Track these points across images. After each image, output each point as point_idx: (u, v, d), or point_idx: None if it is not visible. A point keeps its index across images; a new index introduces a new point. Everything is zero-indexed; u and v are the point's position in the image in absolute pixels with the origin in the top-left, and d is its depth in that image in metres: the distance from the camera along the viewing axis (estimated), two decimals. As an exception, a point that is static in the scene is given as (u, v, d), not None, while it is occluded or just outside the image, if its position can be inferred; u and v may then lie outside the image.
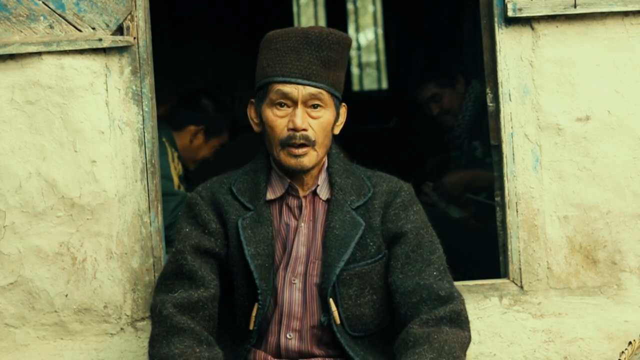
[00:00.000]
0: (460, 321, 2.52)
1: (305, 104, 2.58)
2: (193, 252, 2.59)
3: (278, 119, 2.58)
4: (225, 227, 2.64)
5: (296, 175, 2.64)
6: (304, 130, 2.56)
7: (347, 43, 2.64)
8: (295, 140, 2.56)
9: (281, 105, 2.58)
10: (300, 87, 2.56)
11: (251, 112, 2.69)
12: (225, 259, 2.64)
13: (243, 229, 2.60)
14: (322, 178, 2.68)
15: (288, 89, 2.57)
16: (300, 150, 2.57)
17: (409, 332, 2.48)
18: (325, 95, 2.59)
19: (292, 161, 2.58)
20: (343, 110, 2.70)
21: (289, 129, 2.57)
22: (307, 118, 2.57)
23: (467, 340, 2.53)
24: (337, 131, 2.68)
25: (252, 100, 2.69)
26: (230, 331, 2.66)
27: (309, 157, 2.59)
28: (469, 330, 2.55)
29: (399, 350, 2.47)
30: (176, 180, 4.09)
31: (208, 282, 2.58)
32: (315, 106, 2.59)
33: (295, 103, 2.57)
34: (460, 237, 4.06)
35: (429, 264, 2.60)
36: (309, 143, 2.57)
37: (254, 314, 2.58)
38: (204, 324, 2.54)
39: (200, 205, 2.66)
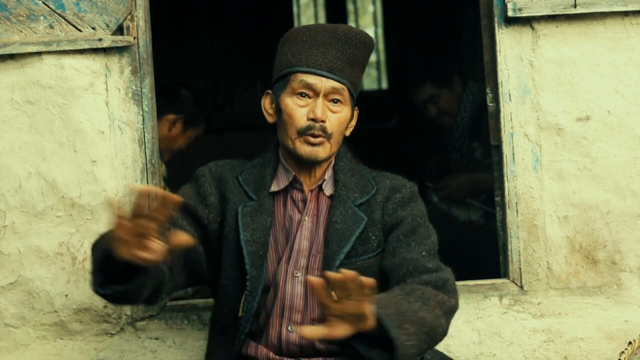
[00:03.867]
0: (445, 288, 2.51)
1: (326, 97, 2.60)
2: (183, 210, 2.58)
3: (298, 108, 2.60)
4: (225, 207, 2.65)
5: (307, 166, 2.66)
6: (323, 121, 2.58)
7: (372, 45, 2.68)
8: (314, 131, 2.58)
9: (302, 95, 2.60)
10: (324, 79, 2.59)
11: (266, 103, 2.70)
12: (214, 236, 2.64)
13: (242, 215, 2.61)
14: (329, 174, 2.70)
15: (312, 80, 2.58)
16: (317, 140, 2.59)
17: (392, 287, 2.49)
18: (345, 92, 2.62)
19: (307, 149, 2.59)
20: (355, 113, 2.71)
21: (308, 119, 2.58)
22: (327, 111, 2.60)
23: (451, 305, 2.50)
24: (347, 133, 2.70)
25: (269, 91, 2.70)
26: (221, 320, 2.65)
27: (324, 148, 2.60)
28: (455, 300, 2.53)
29: None
30: (161, 182, 4.10)
31: (186, 232, 2.41)
32: (335, 101, 2.61)
33: (317, 95, 2.59)
34: (463, 238, 4.06)
35: (419, 244, 2.61)
36: (325, 135, 2.59)
37: (242, 300, 2.59)
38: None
39: (206, 177, 2.68)
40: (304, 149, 2.60)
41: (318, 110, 2.58)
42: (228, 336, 2.64)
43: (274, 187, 2.67)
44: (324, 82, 2.59)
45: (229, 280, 2.62)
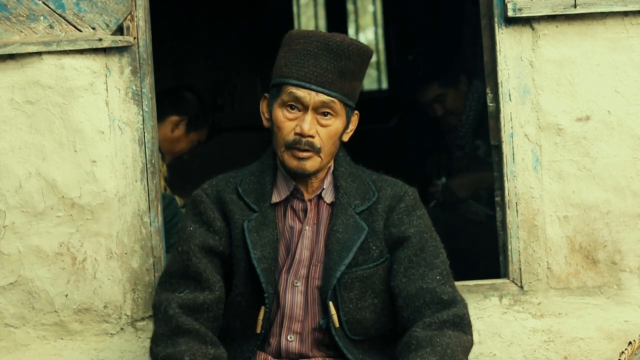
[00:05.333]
0: (463, 325, 2.52)
1: (316, 110, 2.56)
2: (198, 252, 2.59)
3: (287, 121, 2.57)
4: (229, 226, 2.63)
5: (299, 177, 2.64)
6: (311, 137, 2.55)
7: (368, 55, 2.63)
8: (300, 145, 2.55)
9: (292, 107, 2.57)
10: (314, 93, 2.55)
11: (263, 107, 2.68)
12: (228, 258, 2.64)
13: (249, 232, 2.59)
14: (328, 181, 2.67)
15: (301, 93, 2.55)
16: (305, 154, 2.56)
17: (412, 335, 2.48)
18: (337, 105, 2.58)
19: (294, 163, 2.57)
20: (354, 119, 2.68)
21: (295, 133, 2.55)
22: (316, 125, 2.56)
23: (470, 345, 2.53)
24: (346, 139, 2.67)
25: (266, 94, 2.68)
26: (230, 333, 2.65)
27: (312, 162, 2.58)
28: (471, 335, 2.55)
29: (401, 353, 2.47)
30: (162, 183, 4.09)
31: (213, 283, 2.58)
32: (325, 114, 2.57)
33: (306, 108, 2.56)
34: (463, 238, 4.06)
35: (432, 268, 2.59)
36: (313, 150, 2.56)
37: (260, 317, 2.58)
38: (208, 325, 2.54)
39: (205, 202, 2.65)
40: (291, 162, 2.58)
41: (305, 125, 2.54)
42: (236, 347, 2.63)
43: (275, 198, 2.65)
44: (312, 96, 2.55)
45: (242, 297, 2.62)
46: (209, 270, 2.58)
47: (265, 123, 2.68)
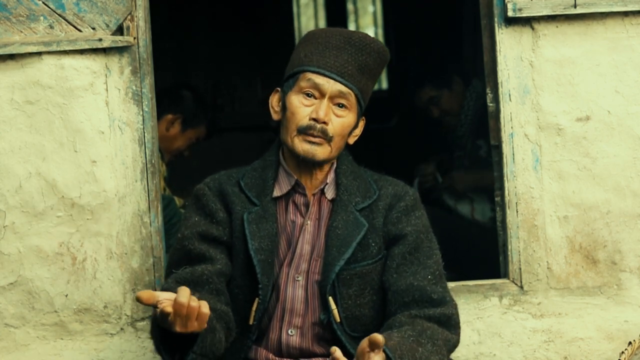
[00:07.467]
0: (449, 325, 2.53)
1: (332, 99, 2.60)
2: (200, 238, 2.60)
3: (302, 107, 2.60)
4: (231, 217, 2.64)
5: (307, 167, 2.65)
6: (325, 123, 2.58)
7: (386, 56, 2.68)
8: (313, 131, 2.58)
9: (309, 95, 2.60)
10: (332, 81, 2.59)
11: (273, 100, 2.70)
12: (230, 249, 2.64)
13: (248, 223, 2.60)
14: (331, 178, 2.69)
15: (320, 80, 2.59)
16: (316, 139, 2.58)
17: (396, 319, 2.51)
18: (352, 98, 2.62)
19: (305, 146, 2.59)
20: (361, 123, 2.72)
21: (310, 118, 2.58)
22: (331, 113, 2.60)
23: (454, 343, 2.54)
24: (351, 141, 2.70)
25: (278, 89, 2.71)
26: None
27: (322, 149, 2.60)
28: (457, 335, 2.56)
29: (381, 332, 2.46)
30: (162, 183, 4.09)
31: (216, 260, 2.57)
32: (340, 105, 2.61)
33: (323, 96, 2.59)
34: (463, 237, 4.06)
35: (424, 267, 2.60)
36: (325, 137, 2.59)
37: (254, 308, 2.58)
38: (208, 297, 2.49)
39: (207, 195, 2.67)
40: (302, 146, 2.59)
41: (321, 111, 2.57)
42: (236, 342, 2.63)
43: (276, 192, 2.66)
44: (331, 84, 2.59)
45: (239, 289, 2.62)
46: (212, 251, 2.59)
47: (275, 116, 2.69)
